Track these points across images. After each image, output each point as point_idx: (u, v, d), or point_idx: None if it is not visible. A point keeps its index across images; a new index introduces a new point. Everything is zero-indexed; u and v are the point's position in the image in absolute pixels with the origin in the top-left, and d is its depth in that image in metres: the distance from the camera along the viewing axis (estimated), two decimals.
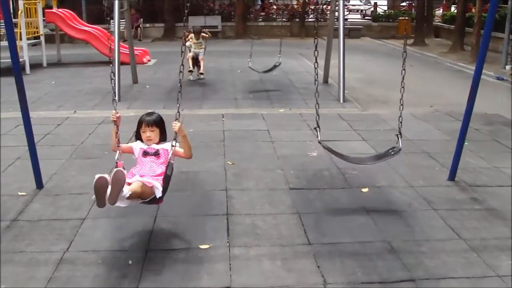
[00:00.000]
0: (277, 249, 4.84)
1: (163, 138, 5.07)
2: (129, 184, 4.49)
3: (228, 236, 5.08)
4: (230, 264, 4.57)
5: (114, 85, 5.25)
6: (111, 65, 5.29)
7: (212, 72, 15.00)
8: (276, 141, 8.22)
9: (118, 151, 4.96)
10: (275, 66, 13.03)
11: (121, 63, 11.80)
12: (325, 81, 13.47)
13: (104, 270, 4.46)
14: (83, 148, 7.77)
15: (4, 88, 11.44)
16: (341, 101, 11.23)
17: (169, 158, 4.84)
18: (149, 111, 5.32)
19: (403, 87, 5.73)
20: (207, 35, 13.93)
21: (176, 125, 4.87)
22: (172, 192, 5.82)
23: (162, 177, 4.73)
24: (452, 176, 6.59)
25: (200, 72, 13.57)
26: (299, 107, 10.66)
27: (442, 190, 6.30)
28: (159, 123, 5.02)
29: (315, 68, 5.37)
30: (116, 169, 4.26)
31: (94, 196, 4.28)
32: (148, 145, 4.97)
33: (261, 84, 13.37)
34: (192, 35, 13.71)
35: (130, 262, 4.59)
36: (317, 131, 5.50)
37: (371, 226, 5.34)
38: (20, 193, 6.01)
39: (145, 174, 4.72)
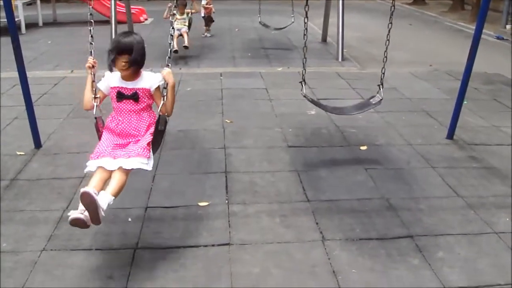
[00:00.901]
0: (275, 206, 4.87)
1: (139, 66, 4.05)
2: (110, 174, 3.85)
3: (227, 194, 5.10)
4: (229, 221, 4.60)
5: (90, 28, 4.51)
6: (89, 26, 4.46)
7: (211, 31, 14.87)
8: (274, 99, 8.19)
9: (95, 104, 4.14)
10: (287, 25, 12.85)
11: (118, 22, 11.66)
12: (324, 39, 13.36)
13: (104, 228, 4.46)
14: (80, 108, 7.69)
15: (1, 48, 11.33)
16: (340, 59, 11.15)
17: (150, 103, 4.12)
18: (124, 31, 4.31)
19: (388, 39, 5.65)
20: (195, 10, 12.14)
21: (165, 70, 4.10)
22: (171, 150, 5.82)
23: (149, 138, 4.01)
24: (450, 135, 6.59)
25: (184, 45, 11.71)
26: (298, 66, 10.53)
27: (441, 148, 6.31)
28: (137, 49, 3.96)
29: (305, 23, 5.25)
30: (81, 191, 3.52)
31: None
32: (124, 80, 4.07)
33: (260, 43, 13.26)
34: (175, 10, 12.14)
35: (129, 219, 4.62)
36: (302, 85, 5.47)
37: (369, 183, 5.36)
38: (18, 153, 6.00)
39: (127, 141, 4.01)
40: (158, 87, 4.08)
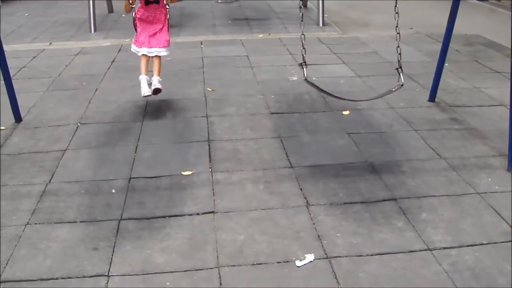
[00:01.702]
0: (259, 173, 4.88)
1: None
2: (149, 58, 6.22)
3: (210, 162, 5.09)
4: (213, 189, 4.60)
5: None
6: None
7: None
8: (256, 66, 8.14)
9: (133, 6, 6.20)
10: None
11: None
12: (305, 5, 13.25)
13: (88, 200, 4.47)
14: (60, 80, 7.64)
15: None
16: (321, 24, 11.07)
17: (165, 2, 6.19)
18: None
19: (397, 12, 5.16)
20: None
21: None
22: (153, 120, 5.81)
23: (167, 27, 6.28)
24: (432, 97, 6.60)
25: None
26: (278, 32, 10.52)
27: (423, 111, 6.33)
28: None
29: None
30: (153, 88, 6.08)
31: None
32: None
33: (240, 11, 13.13)
34: None
35: (113, 190, 4.61)
36: (303, 68, 4.85)
37: (352, 147, 5.38)
38: None
39: (155, 31, 6.14)
40: None
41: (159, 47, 6.17)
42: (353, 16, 12.26)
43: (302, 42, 4.83)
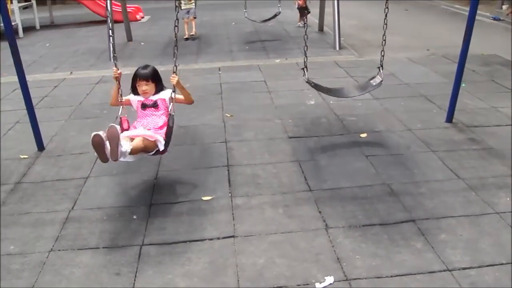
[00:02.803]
0: (278, 197, 4.92)
1: (159, 90, 5.07)
2: (132, 139, 4.61)
3: (229, 187, 5.14)
4: (233, 214, 4.64)
5: (110, 43, 5.25)
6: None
7: (207, 25, 14.89)
8: (273, 91, 8.22)
9: (121, 106, 5.06)
10: (275, 16, 12.87)
11: (115, 22, 11.70)
12: (320, 29, 13.37)
13: (110, 226, 4.54)
14: (81, 108, 7.78)
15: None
16: (337, 48, 11.17)
17: (169, 109, 4.92)
18: (144, 65, 5.17)
19: (385, 23, 5.89)
20: None
21: (174, 79, 4.91)
22: (173, 146, 5.86)
23: (165, 129, 4.81)
24: (449, 118, 6.62)
25: (191, 34, 13.08)
26: (295, 57, 10.61)
27: (440, 132, 6.34)
28: (154, 76, 5.01)
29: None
30: (109, 125, 4.23)
31: (95, 153, 4.33)
32: (145, 97, 5.02)
33: (256, 36, 13.27)
34: None
35: (134, 217, 4.67)
36: (304, 71, 5.55)
37: (370, 170, 5.40)
38: (22, 156, 6.05)
39: (149, 127, 4.85)
40: (173, 96, 4.97)
41: (148, 131, 4.79)
42: (369, 38, 12.33)
43: (305, 51, 5.56)
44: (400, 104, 7.20)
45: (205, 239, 4.29)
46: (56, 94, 8.64)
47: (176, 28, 5.01)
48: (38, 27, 16.55)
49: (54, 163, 5.88)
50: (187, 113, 6.72)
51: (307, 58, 5.57)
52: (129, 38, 13.32)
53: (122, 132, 4.73)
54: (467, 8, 13.05)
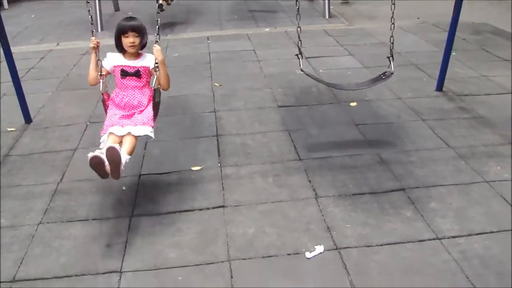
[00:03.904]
0: (268, 166, 4.91)
1: (142, 47, 4.43)
2: (121, 139, 4.10)
3: (219, 157, 5.13)
4: (222, 184, 4.63)
5: (91, 10, 4.75)
6: None
7: None
8: (263, 60, 8.16)
9: (101, 81, 4.37)
10: None
11: None
12: None
13: (99, 198, 4.52)
14: (68, 80, 7.69)
15: None
16: (327, 16, 11.06)
17: (153, 82, 4.36)
18: (128, 16, 4.58)
19: (393, 3, 5.24)
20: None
21: (156, 47, 4.29)
22: (161, 117, 5.81)
23: (151, 111, 4.33)
24: (439, 87, 6.60)
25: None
26: (285, 25, 10.51)
27: (430, 100, 6.33)
28: (143, 29, 4.35)
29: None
30: (107, 146, 3.82)
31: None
32: (126, 59, 4.39)
33: (245, 5, 13.13)
34: None
35: (124, 188, 4.65)
36: (299, 59, 4.93)
37: (360, 139, 5.39)
38: (9, 129, 5.99)
39: (132, 112, 4.30)
40: (157, 70, 4.36)
41: (135, 126, 4.18)
42: (359, 7, 12.23)
43: (298, 34, 4.96)
44: None
45: (195, 210, 4.28)
46: (42, 66, 8.54)
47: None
48: None
49: (42, 135, 5.83)
50: (176, 83, 6.61)
51: (301, 42, 4.96)
52: (116, 9, 13.12)
53: (106, 107, 4.41)
54: None
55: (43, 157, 5.31)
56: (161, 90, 4.43)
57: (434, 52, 8.15)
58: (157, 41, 4.35)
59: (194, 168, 4.90)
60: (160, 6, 9.94)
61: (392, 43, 5.20)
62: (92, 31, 4.55)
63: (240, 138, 5.49)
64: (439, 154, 5.05)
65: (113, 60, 4.43)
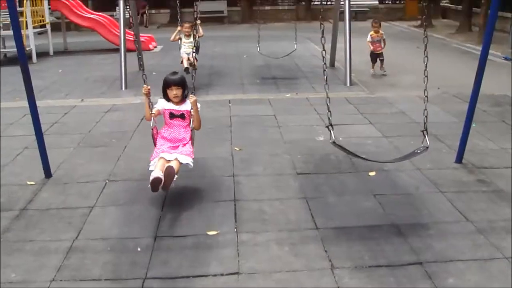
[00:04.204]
0: (284, 234, 4.86)
1: (184, 96, 5.63)
2: (169, 162, 5.25)
3: (235, 222, 5.10)
4: (238, 250, 4.59)
5: (140, 57, 6.50)
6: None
7: (219, 57, 14.98)
8: (283, 126, 8.21)
9: (152, 119, 5.62)
10: (290, 52, 12.85)
11: (127, 50, 11.79)
12: (332, 64, 13.42)
13: (113, 258, 4.50)
14: (90, 136, 7.80)
15: (11, 77, 11.48)
16: (348, 84, 11.19)
17: (190, 122, 5.61)
18: (173, 72, 5.74)
19: (426, 76, 5.39)
20: (200, 34, 11.03)
21: (192, 98, 5.53)
22: (180, 178, 5.86)
23: (190, 145, 5.58)
24: (459, 158, 6.58)
25: (190, 63, 11.80)
26: (306, 92, 10.63)
27: (450, 172, 6.29)
28: (184, 82, 5.61)
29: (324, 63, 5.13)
30: (166, 166, 5.12)
31: (149, 186, 5.02)
32: (173, 104, 5.59)
33: (268, 70, 13.34)
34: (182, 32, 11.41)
35: (139, 249, 4.63)
36: (330, 130, 4.90)
37: (378, 209, 5.35)
38: (29, 182, 6.05)
39: (177, 145, 5.51)
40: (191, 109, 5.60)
41: (181, 154, 5.43)
42: (381, 76, 12.36)
43: (328, 105, 4.92)
44: (409, 143, 7.15)
45: (209, 275, 4.23)
46: (66, 121, 8.68)
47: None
48: (51, 53, 16.74)
49: (60, 190, 5.87)
50: (196, 145, 6.69)
51: (331, 114, 4.92)
52: (141, 68, 13.37)
53: (156, 138, 5.61)
54: (479, 47, 13.05)
55: (60, 213, 5.32)
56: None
57: (454, 123, 8.16)
58: (193, 92, 5.67)
59: (210, 233, 4.88)
60: (186, 69, 10.18)
61: (426, 116, 5.39)
62: (144, 80, 5.81)
63: (258, 204, 5.47)
64: (457, 227, 4.98)
65: (163, 104, 5.64)
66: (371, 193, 5.72)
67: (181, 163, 5.33)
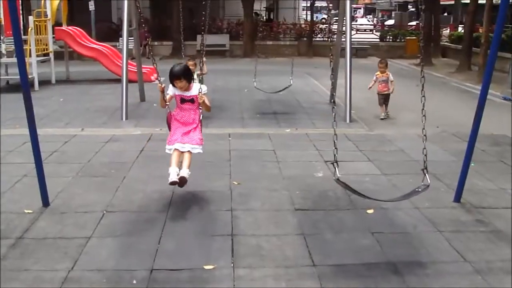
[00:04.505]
0: (281, 270, 4.84)
1: (190, 81, 6.34)
2: (182, 154, 6.23)
3: (232, 257, 5.08)
4: (234, 285, 4.56)
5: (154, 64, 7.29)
6: None
7: (220, 91, 15.06)
8: (282, 161, 8.23)
9: (167, 105, 6.47)
10: (285, 88, 12.98)
11: (129, 81, 11.87)
12: (331, 100, 13.46)
13: None
14: (90, 166, 7.81)
15: (13, 104, 11.54)
16: (348, 121, 11.23)
17: (199, 104, 6.36)
18: (178, 63, 6.46)
19: (424, 115, 5.54)
20: (204, 72, 10.42)
21: (201, 98, 6.30)
22: (178, 211, 5.86)
23: (199, 129, 6.44)
24: (457, 198, 6.58)
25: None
26: (306, 127, 10.67)
27: (448, 211, 6.29)
28: (185, 73, 6.25)
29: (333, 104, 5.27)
30: (180, 176, 6.02)
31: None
32: (183, 91, 6.30)
33: (268, 104, 13.40)
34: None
35: (134, 281, 4.60)
36: (335, 167, 4.98)
37: (376, 247, 5.33)
38: (26, 211, 6.04)
39: (189, 129, 6.33)
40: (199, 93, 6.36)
41: (192, 144, 6.28)
42: (380, 113, 12.41)
43: (334, 142, 5.06)
44: (408, 181, 7.17)
45: None
46: (65, 150, 8.70)
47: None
48: (54, 81, 16.84)
49: (58, 220, 5.86)
50: (194, 178, 6.71)
51: (337, 150, 5.05)
52: (142, 99, 13.48)
53: (171, 122, 6.46)
54: (478, 87, 13.13)
55: (56, 243, 5.30)
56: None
57: (453, 162, 8.18)
58: (200, 92, 6.31)
59: (206, 267, 4.85)
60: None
61: (426, 155, 5.50)
62: (158, 80, 6.68)
63: (255, 240, 5.45)
64: (455, 267, 4.96)
65: (174, 90, 6.37)
66: (368, 231, 5.70)
67: (192, 153, 6.25)
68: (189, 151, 6.25)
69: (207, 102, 6.48)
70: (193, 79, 6.56)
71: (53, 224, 5.74)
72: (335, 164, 4.95)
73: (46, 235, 5.47)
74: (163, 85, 6.45)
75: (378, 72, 12.25)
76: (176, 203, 6.36)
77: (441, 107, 13.54)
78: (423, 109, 5.46)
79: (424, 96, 5.54)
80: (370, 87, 12.34)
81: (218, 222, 5.90)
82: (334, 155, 4.95)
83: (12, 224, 5.70)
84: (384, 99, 12.16)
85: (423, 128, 5.34)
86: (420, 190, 5.40)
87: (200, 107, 6.43)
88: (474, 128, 6.21)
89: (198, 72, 11.34)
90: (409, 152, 8.77)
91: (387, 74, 12.15)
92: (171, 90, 6.42)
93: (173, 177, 6.01)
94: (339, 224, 5.90)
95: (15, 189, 6.76)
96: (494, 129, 10.20)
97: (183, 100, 6.36)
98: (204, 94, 6.29)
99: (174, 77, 6.25)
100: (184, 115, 6.41)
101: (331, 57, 5.25)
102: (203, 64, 10.78)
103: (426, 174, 5.38)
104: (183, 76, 6.23)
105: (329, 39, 25.74)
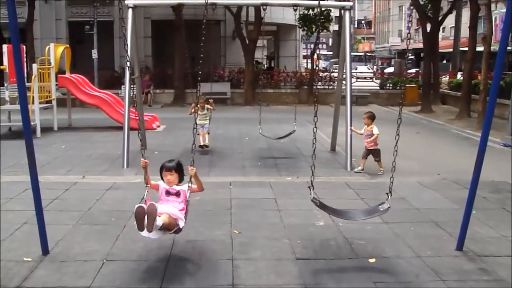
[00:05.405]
0: None
1: (181, 180, 5.97)
2: (160, 215, 5.40)
3: None
4: None
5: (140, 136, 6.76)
6: None
7: (220, 139, 15.11)
8: (283, 209, 8.20)
9: (146, 191, 5.99)
10: (289, 134, 13.02)
11: (131, 129, 11.93)
12: (333, 149, 13.52)
13: None
14: (90, 214, 7.79)
15: (15, 151, 11.60)
16: (349, 169, 11.24)
17: (187, 196, 5.83)
18: (169, 159, 6.15)
19: (396, 150, 6.46)
20: (212, 107, 13.16)
21: (192, 170, 5.91)
22: (178, 261, 5.82)
23: (184, 211, 5.74)
24: (460, 246, 6.54)
25: (205, 144, 12.95)
26: (307, 175, 10.57)
27: (450, 260, 6.25)
28: (177, 168, 5.94)
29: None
30: (150, 203, 5.39)
31: (135, 222, 5.42)
32: (169, 186, 5.86)
33: (269, 152, 13.43)
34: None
35: None
36: (311, 190, 5.95)
37: None
38: (25, 259, 6.01)
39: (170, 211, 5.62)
40: (191, 186, 5.94)
41: (172, 209, 5.69)
42: (382, 162, 12.44)
43: (312, 171, 6.10)
44: (410, 230, 7.15)
45: None
46: (66, 197, 8.69)
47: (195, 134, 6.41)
48: (56, 128, 16.93)
49: (57, 268, 5.82)
50: (195, 227, 6.70)
51: (313, 176, 6.01)
52: (144, 147, 13.49)
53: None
54: (478, 133, 13.16)
55: None
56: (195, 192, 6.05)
57: (454, 209, 8.15)
58: (192, 165, 5.94)
59: None
60: (201, 146, 11.72)
61: (392, 182, 6.27)
62: (142, 154, 6.27)
63: None
64: None
65: (161, 185, 5.93)
66: (370, 281, 5.65)
67: (172, 216, 5.59)
68: (168, 213, 5.59)
69: (197, 177, 6.00)
70: (183, 177, 6.04)
71: (52, 273, 5.70)
72: (311, 187, 5.95)
73: (45, 284, 5.42)
74: (146, 161, 6.04)
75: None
76: (176, 252, 6.32)
77: (441, 154, 13.57)
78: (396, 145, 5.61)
79: (398, 134, 6.52)
80: (351, 129, 11.56)
81: (219, 272, 5.84)
82: (311, 180, 5.96)
83: (11, 272, 5.66)
84: (372, 154, 11.34)
85: (393, 161, 6.21)
86: (382, 209, 6.05)
87: (190, 184, 5.93)
88: (475, 176, 6.22)
89: (208, 106, 12.57)
90: (410, 200, 8.76)
91: (371, 128, 11.27)
92: (159, 182, 6.00)
93: (140, 204, 5.50)
94: (340, 273, 5.86)
95: (14, 237, 6.73)
96: (495, 176, 10.20)
97: (168, 193, 5.87)
98: (206, 132, 6.41)
99: (163, 169, 5.93)
100: (166, 207, 5.71)
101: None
102: (211, 102, 11.94)
103: (389, 197, 6.10)
104: (175, 170, 5.91)
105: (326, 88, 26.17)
